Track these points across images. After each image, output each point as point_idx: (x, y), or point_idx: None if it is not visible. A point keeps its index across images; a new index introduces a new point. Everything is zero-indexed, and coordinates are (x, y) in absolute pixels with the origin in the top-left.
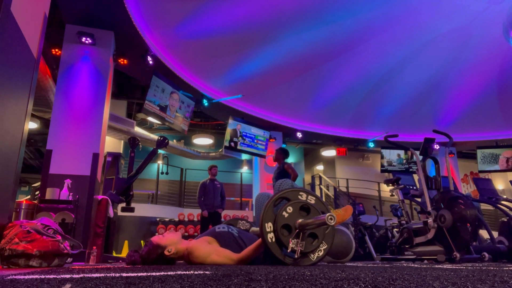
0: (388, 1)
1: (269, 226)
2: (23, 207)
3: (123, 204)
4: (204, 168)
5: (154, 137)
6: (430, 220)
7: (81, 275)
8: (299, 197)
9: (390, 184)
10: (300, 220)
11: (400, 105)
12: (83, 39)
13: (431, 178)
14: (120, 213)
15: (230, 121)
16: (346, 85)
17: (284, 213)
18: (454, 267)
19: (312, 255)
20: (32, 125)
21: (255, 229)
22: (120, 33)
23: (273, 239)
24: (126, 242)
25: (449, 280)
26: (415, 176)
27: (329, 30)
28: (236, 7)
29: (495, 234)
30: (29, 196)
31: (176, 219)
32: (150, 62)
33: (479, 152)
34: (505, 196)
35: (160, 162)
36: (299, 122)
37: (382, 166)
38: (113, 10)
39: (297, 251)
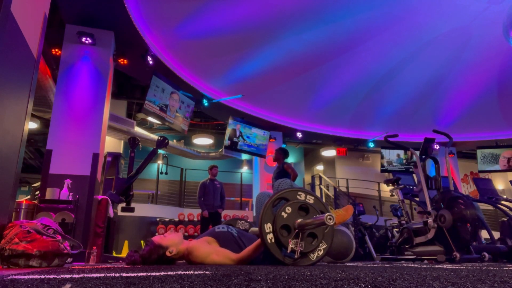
0: (388, 1)
1: (268, 226)
2: (23, 207)
3: (123, 204)
4: (204, 168)
5: (154, 137)
6: (430, 220)
7: (81, 275)
8: (298, 197)
9: (390, 184)
10: (299, 220)
11: (400, 105)
12: (83, 39)
13: (431, 178)
14: (120, 213)
15: (230, 121)
16: (346, 85)
17: (283, 213)
18: (454, 267)
19: (311, 255)
20: (32, 125)
21: (255, 229)
22: (120, 33)
23: (273, 240)
24: (126, 242)
25: (449, 280)
26: (415, 177)
27: (329, 30)
28: (236, 7)
29: (495, 234)
30: (29, 196)
31: (176, 219)
32: (150, 62)
33: (479, 152)
34: (505, 196)
35: (160, 162)
36: (299, 122)
37: (382, 166)
38: (113, 10)
39: (296, 251)
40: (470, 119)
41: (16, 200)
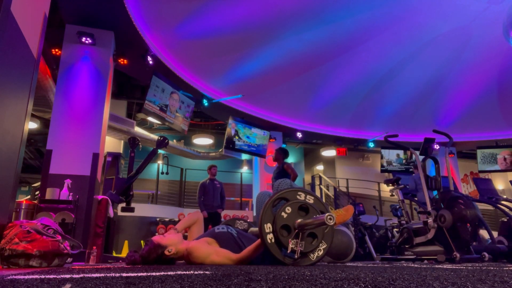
0: (388, 1)
1: (268, 227)
2: (23, 207)
3: (123, 204)
4: (204, 168)
5: (154, 137)
6: (430, 220)
7: (81, 275)
8: (298, 197)
9: (390, 184)
10: (299, 220)
11: (400, 105)
12: (83, 39)
13: (431, 178)
14: (120, 213)
15: (230, 121)
16: (346, 85)
17: (283, 213)
18: (454, 267)
19: (311, 255)
20: (32, 125)
21: (254, 229)
22: (120, 33)
23: (273, 240)
24: (126, 242)
25: (449, 280)
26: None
27: (329, 30)
28: (236, 7)
29: (495, 234)
30: (29, 196)
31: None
32: (150, 62)
33: (479, 152)
34: (505, 196)
35: (160, 162)
36: (299, 122)
37: (382, 166)
38: (113, 10)
39: (296, 251)
40: (470, 119)
41: (16, 200)
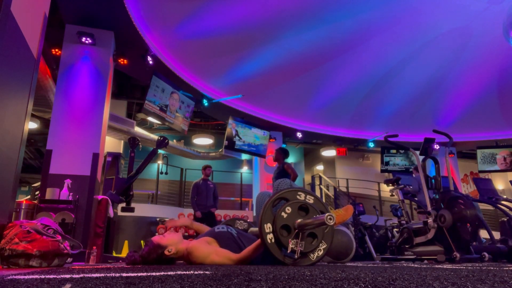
0: (388, 1)
1: (268, 227)
2: (23, 207)
3: (123, 204)
4: None
5: (154, 137)
6: (430, 220)
7: (81, 275)
8: (298, 197)
9: (390, 184)
10: (299, 220)
11: (400, 105)
12: (83, 39)
13: (431, 178)
14: (120, 213)
15: (230, 121)
16: (346, 85)
17: (283, 213)
18: (454, 267)
19: (311, 255)
20: (32, 125)
21: (254, 229)
22: (120, 33)
23: (273, 240)
24: (126, 242)
25: (449, 280)
26: (415, 178)
27: (329, 30)
28: (236, 7)
29: (495, 234)
30: (29, 196)
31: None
32: (150, 62)
33: (479, 152)
34: (505, 196)
35: (160, 162)
36: (299, 122)
37: (383, 164)
38: (113, 10)
39: (296, 251)
40: (470, 119)
41: (16, 200)
